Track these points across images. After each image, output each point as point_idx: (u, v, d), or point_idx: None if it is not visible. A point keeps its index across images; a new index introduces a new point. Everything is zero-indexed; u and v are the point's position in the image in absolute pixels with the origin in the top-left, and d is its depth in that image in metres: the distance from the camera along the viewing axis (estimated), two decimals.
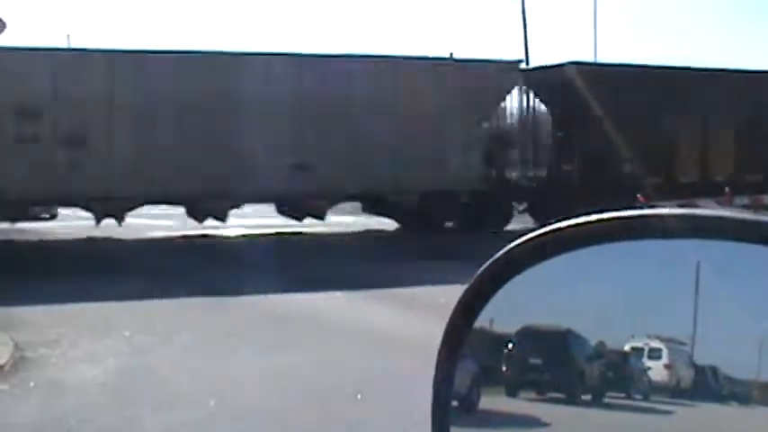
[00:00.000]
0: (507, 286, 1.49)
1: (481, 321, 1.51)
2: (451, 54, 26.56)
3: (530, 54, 44.77)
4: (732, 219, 1.40)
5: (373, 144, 22.58)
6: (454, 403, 1.52)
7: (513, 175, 26.07)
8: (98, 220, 21.26)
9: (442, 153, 23.24)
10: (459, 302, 1.51)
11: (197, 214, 22.60)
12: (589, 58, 40.23)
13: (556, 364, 1.50)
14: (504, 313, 1.51)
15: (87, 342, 10.31)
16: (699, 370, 1.45)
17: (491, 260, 1.50)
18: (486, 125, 25.24)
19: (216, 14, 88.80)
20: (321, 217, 23.51)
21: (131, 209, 21.46)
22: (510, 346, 1.51)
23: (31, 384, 8.53)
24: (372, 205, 25.26)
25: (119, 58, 21.59)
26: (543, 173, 26.25)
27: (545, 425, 1.50)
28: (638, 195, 24.29)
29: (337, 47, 74.61)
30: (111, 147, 21.11)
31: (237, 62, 22.77)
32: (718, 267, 1.41)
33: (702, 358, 1.44)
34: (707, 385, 1.42)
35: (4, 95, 20.15)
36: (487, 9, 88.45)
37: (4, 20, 9.31)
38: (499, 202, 24.07)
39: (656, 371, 1.47)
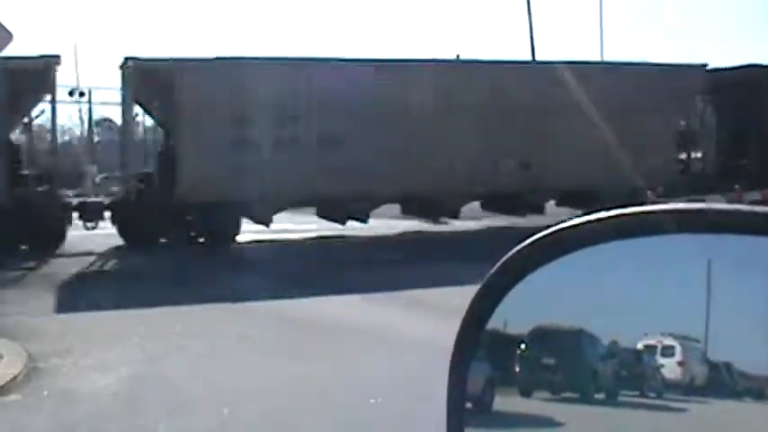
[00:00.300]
0: (519, 286, 1.49)
1: (494, 322, 1.51)
2: (458, 55, 26.57)
3: (535, 51, 44.85)
4: (743, 212, 1.40)
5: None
6: (468, 405, 1.52)
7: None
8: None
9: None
10: (472, 303, 1.51)
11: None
12: (595, 56, 40.34)
13: (569, 363, 1.50)
14: (517, 314, 1.51)
15: (98, 351, 10.34)
16: (713, 366, 1.44)
17: (503, 259, 1.50)
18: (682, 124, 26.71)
19: (219, 18, 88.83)
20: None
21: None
22: (523, 346, 1.51)
23: (45, 394, 8.55)
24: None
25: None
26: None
27: (559, 424, 1.50)
28: (649, 192, 24.57)
29: (342, 49, 74.66)
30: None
31: (470, 69, 25.00)
32: (731, 262, 1.40)
33: (716, 354, 1.44)
34: (721, 382, 1.41)
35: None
36: (492, 7, 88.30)
37: (11, 31, 9.33)
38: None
39: (670, 368, 1.46)
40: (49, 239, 21.29)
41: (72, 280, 16.24)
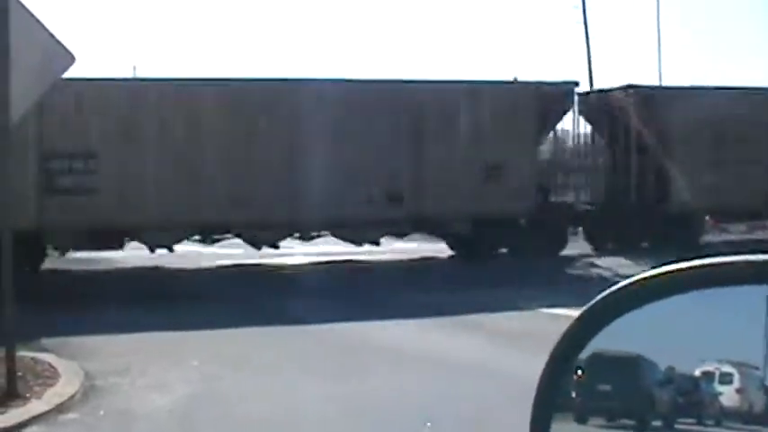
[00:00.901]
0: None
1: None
2: (515, 78, 26.38)
3: (593, 75, 44.66)
4: None
5: None
6: None
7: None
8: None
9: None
10: (560, 343, 1.52)
11: None
12: (653, 80, 39.92)
13: (625, 390, 1.50)
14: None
15: (156, 370, 10.45)
16: None
17: (591, 305, 1.52)
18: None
19: (272, 40, 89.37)
20: None
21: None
22: (579, 372, 1.51)
23: (101, 413, 8.66)
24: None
25: None
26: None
27: None
28: (707, 218, 23.95)
29: (401, 69, 74.80)
30: None
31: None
32: None
33: None
34: None
35: None
36: (551, 30, 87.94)
37: (72, 53, 9.50)
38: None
39: (728, 396, 1.46)
40: None
41: None
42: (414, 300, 15.32)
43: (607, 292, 1.50)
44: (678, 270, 1.46)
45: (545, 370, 1.51)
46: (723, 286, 1.43)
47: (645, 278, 1.49)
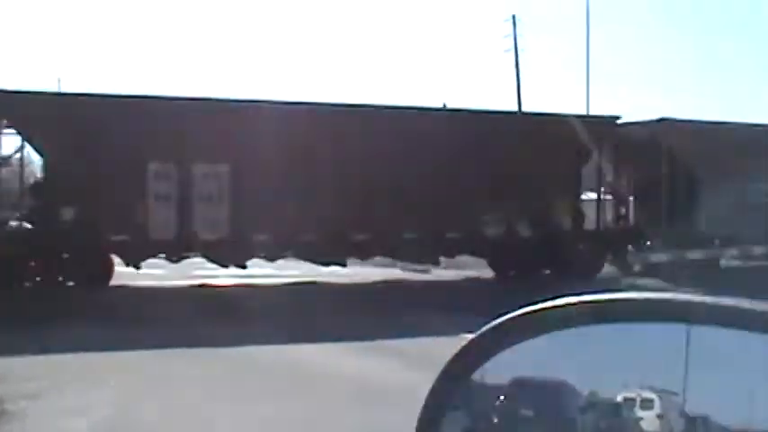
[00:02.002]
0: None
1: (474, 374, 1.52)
2: (444, 104, 26.60)
3: (522, 103, 45.49)
4: (721, 306, 1.43)
5: None
6: None
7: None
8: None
9: None
10: (446, 369, 1.53)
11: None
12: (582, 108, 40.86)
13: (548, 415, 1.50)
14: (497, 365, 1.51)
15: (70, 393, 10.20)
16: (690, 420, 1.45)
17: (479, 333, 1.53)
18: None
19: (204, 60, 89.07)
20: None
21: None
22: (502, 398, 1.51)
23: None
24: None
25: None
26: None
27: None
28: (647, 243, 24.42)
29: (330, 93, 75.23)
30: None
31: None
32: (707, 352, 1.45)
33: (694, 408, 1.45)
34: None
35: None
36: (482, 58, 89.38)
37: None
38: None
39: (649, 421, 1.47)
40: None
41: None
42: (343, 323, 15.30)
43: (501, 319, 1.52)
44: (571, 304, 1.49)
45: (432, 390, 1.52)
46: (614, 323, 1.47)
47: (537, 309, 1.51)
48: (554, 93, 69.99)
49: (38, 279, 20.18)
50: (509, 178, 22.43)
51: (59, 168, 20.49)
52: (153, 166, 20.72)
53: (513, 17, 48.82)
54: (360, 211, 21.52)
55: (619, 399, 1.48)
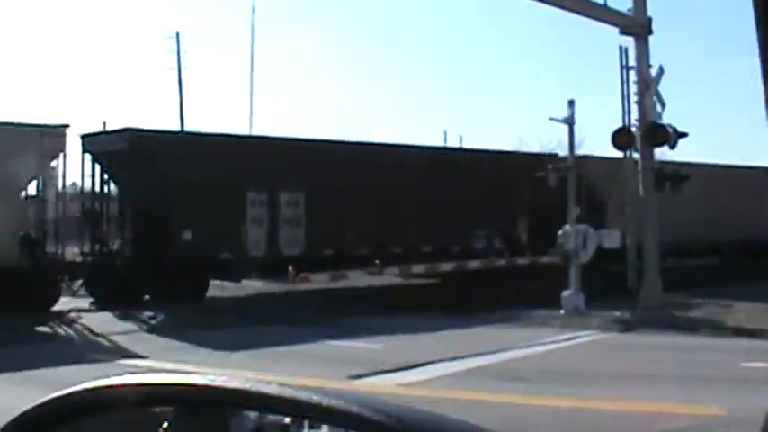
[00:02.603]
0: None
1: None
2: (105, 123, 26.19)
3: (185, 120, 45.29)
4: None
5: None
6: None
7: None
8: None
9: None
10: None
11: None
12: (245, 127, 42.28)
13: None
14: None
15: None
16: None
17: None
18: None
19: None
20: None
21: None
22: (165, 425, 1.58)
23: None
24: None
25: None
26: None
27: None
28: (290, 267, 23.15)
29: None
30: None
31: None
32: None
33: None
34: None
35: None
36: (145, 75, 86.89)
37: None
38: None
39: None
40: None
41: None
42: None
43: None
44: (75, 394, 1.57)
45: None
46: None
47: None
48: (218, 111, 69.82)
49: (146, 297, 22.60)
50: None
51: (181, 198, 22.76)
52: (250, 195, 24.25)
53: (177, 34, 48.70)
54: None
55: (287, 420, 1.53)
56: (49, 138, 21.69)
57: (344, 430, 1.40)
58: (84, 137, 24.25)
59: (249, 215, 24.22)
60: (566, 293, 20.25)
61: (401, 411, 1.36)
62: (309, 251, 24.86)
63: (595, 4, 20.79)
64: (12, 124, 21.84)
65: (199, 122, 68.67)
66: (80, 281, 23.75)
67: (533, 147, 42.57)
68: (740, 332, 16.85)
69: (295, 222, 24.84)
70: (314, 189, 24.64)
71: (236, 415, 1.56)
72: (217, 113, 67.20)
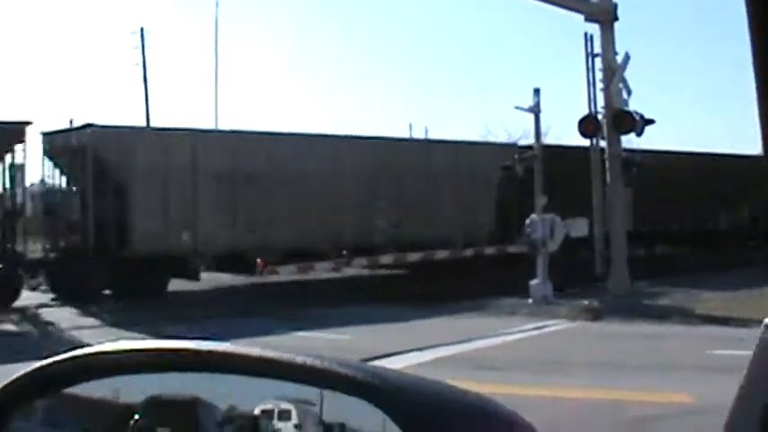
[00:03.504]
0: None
1: (104, 392, 1.59)
2: (71, 120, 26.11)
3: (150, 116, 44.97)
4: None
5: None
6: None
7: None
8: None
9: None
10: None
11: None
12: (210, 121, 41.63)
13: (185, 431, 1.55)
14: (130, 384, 1.58)
15: None
16: (328, 427, 1.50)
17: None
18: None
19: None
20: None
21: None
22: (137, 417, 1.56)
23: None
24: None
25: None
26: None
27: None
28: (258, 260, 23.85)
29: None
30: None
31: None
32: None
33: (331, 416, 1.50)
34: None
35: None
36: (111, 71, 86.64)
37: None
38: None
39: (287, 431, 1.52)
40: None
41: None
42: None
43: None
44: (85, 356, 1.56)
45: None
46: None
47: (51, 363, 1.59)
48: (184, 106, 69.79)
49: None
50: None
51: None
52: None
53: (142, 29, 48.17)
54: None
55: (256, 412, 1.53)
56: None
57: (332, 391, 1.43)
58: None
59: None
60: (534, 282, 20.36)
61: (382, 371, 1.47)
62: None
63: None
64: None
65: (165, 118, 68.32)
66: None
67: (500, 136, 42.67)
68: (708, 320, 17.00)
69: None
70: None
71: (205, 406, 1.54)
72: (183, 108, 67.04)
